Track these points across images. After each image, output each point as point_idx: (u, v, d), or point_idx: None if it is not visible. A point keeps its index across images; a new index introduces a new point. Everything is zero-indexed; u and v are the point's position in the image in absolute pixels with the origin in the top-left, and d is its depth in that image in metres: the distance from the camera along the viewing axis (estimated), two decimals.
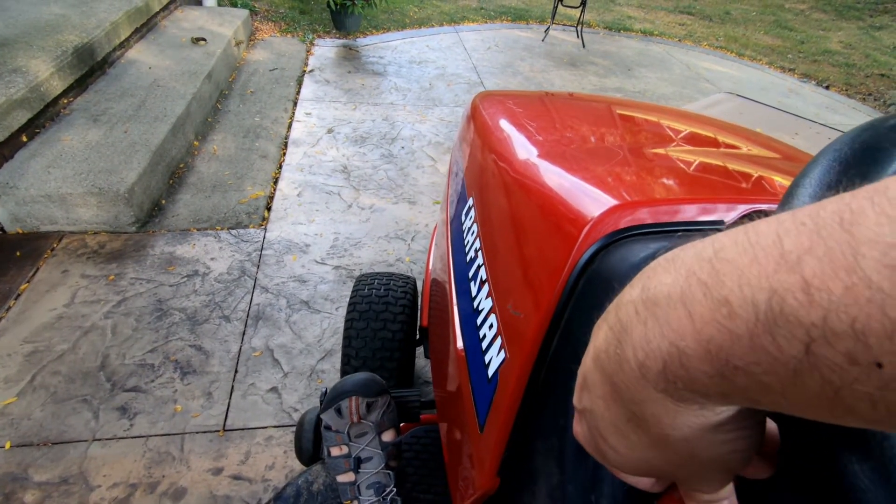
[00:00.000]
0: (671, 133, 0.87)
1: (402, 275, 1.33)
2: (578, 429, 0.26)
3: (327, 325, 1.70)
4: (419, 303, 1.34)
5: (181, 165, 2.39)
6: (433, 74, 3.75)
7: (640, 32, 5.40)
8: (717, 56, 5.06)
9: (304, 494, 1.04)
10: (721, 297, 0.16)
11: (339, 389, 0.71)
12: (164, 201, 2.17)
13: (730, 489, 0.24)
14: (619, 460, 0.23)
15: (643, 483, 0.28)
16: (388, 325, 1.19)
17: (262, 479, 1.27)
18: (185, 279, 1.81)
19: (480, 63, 4.06)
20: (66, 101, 2.35)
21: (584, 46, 4.68)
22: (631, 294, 0.20)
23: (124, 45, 2.93)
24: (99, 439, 1.31)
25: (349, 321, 1.21)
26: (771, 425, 0.25)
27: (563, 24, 5.14)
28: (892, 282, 0.12)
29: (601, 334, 0.22)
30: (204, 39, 3.22)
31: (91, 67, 2.54)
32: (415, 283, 1.33)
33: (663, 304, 0.18)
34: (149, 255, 1.89)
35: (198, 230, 2.04)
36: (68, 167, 1.97)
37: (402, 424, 1.04)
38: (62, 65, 2.29)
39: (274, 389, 1.48)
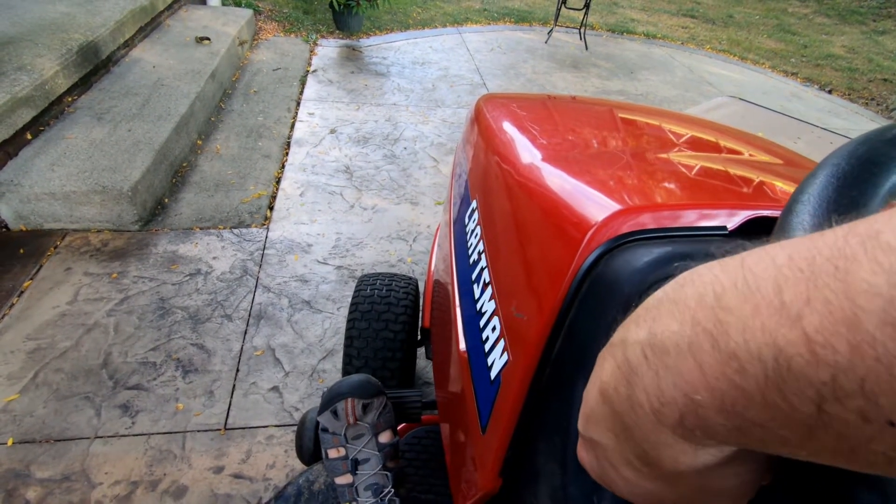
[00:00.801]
0: (673, 137, 0.87)
1: (404, 275, 1.34)
2: (584, 455, 0.26)
3: (329, 325, 1.70)
4: (421, 304, 1.34)
5: (184, 164, 2.40)
6: (436, 75, 3.75)
7: (643, 35, 5.41)
8: (719, 59, 5.07)
9: (304, 494, 1.04)
10: (729, 351, 0.15)
11: (335, 391, 0.72)
12: (167, 200, 2.17)
13: None
14: (629, 490, 0.23)
15: None
16: (389, 326, 1.20)
17: (263, 478, 1.27)
18: (188, 278, 1.82)
19: (483, 64, 4.07)
20: (70, 99, 2.36)
21: (586, 49, 4.68)
22: (637, 335, 0.20)
23: (129, 43, 2.94)
24: (101, 437, 1.31)
25: (351, 321, 1.21)
26: None
27: (566, 27, 5.15)
28: (895, 341, 0.12)
29: (607, 368, 0.21)
30: (208, 39, 3.23)
31: (95, 66, 2.55)
32: (417, 283, 1.33)
33: (672, 353, 0.17)
34: (152, 254, 1.90)
35: (200, 229, 2.05)
36: (72, 165, 1.97)
37: (402, 425, 1.05)
38: (67, 63, 2.30)
39: (275, 389, 1.49)
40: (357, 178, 2.49)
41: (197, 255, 1.92)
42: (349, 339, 1.20)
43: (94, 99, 2.43)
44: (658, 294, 0.20)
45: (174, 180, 2.29)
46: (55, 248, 1.87)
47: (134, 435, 1.33)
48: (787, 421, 0.14)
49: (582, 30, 4.71)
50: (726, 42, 5.65)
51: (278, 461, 1.31)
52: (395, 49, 4.16)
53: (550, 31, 4.83)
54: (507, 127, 0.80)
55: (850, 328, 0.13)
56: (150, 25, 3.22)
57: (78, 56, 2.39)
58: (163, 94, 2.56)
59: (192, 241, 1.98)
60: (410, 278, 1.33)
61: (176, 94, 2.58)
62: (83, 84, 2.47)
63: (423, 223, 2.23)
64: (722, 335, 0.16)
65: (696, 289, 0.17)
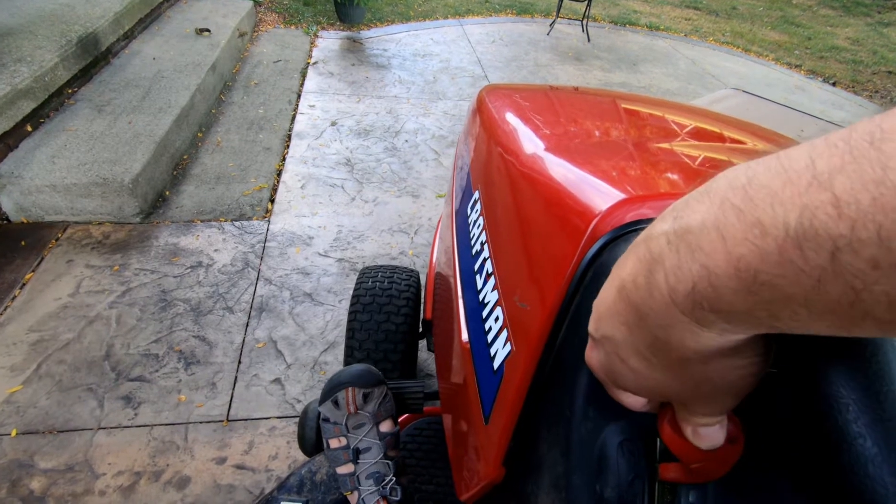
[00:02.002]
0: (677, 128, 0.86)
1: (405, 268, 1.34)
2: (593, 355, 0.27)
3: (330, 318, 1.71)
4: (422, 296, 1.34)
5: (185, 157, 2.39)
6: (437, 67, 3.73)
7: (646, 27, 5.37)
8: (723, 52, 5.03)
9: (307, 484, 1.05)
10: (754, 219, 0.16)
11: (336, 381, 0.72)
12: (168, 192, 2.17)
13: (722, 414, 0.26)
14: (635, 382, 0.25)
15: (637, 403, 0.30)
16: (391, 318, 1.20)
17: (266, 469, 1.28)
18: (189, 270, 1.82)
19: (485, 56, 4.04)
20: (70, 91, 2.36)
21: (589, 41, 4.65)
22: (662, 226, 0.21)
23: (128, 35, 2.92)
24: (104, 428, 1.32)
25: (353, 313, 1.21)
26: None
27: (569, 18, 5.11)
28: None
29: (628, 265, 0.23)
30: (208, 30, 3.21)
31: (95, 57, 2.54)
32: (418, 276, 1.33)
33: (696, 231, 0.18)
34: (153, 246, 1.90)
35: (202, 221, 2.05)
36: (73, 157, 1.97)
37: (405, 416, 1.05)
38: (66, 55, 2.29)
39: (277, 380, 1.49)
40: (358, 170, 2.49)
41: (198, 247, 1.92)
42: (351, 330, 1.20)
43: (95, 91, 2.42)
44: (685, 196, 0.21)
45: (175, 172, 2.28)
46: (56, 240, 1.87)
47: (137, 426, 1.34)
48: (798, 276, 0.15)
49: (584, 22, 4.68)
50: (730, 34, 5.61)
51: (280, 452, 1.32)
52: (396, 41, 4.13)
53: (553, 22, 4.79)
54: (510, 117, 0.80)
55: (877, 185, 0.14)
56: (149, 17, 3.20)
57: (78, 48, 2.38)
58: (163, 86, 2.55)
59: (194, 233, 1.98)
60: (412, 271, 1.33)
61: (176, 86, 2.56)
62: (83, 76, 2.46)
63: (424, 216, 2.23)
64: (750, 208, 0.16)
65: (727, 177, 0.18)
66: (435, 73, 3.64)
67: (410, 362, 1.23)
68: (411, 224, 2.17)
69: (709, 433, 0.27)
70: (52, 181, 1.87)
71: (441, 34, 4.41)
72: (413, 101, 3.20)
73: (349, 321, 1.21)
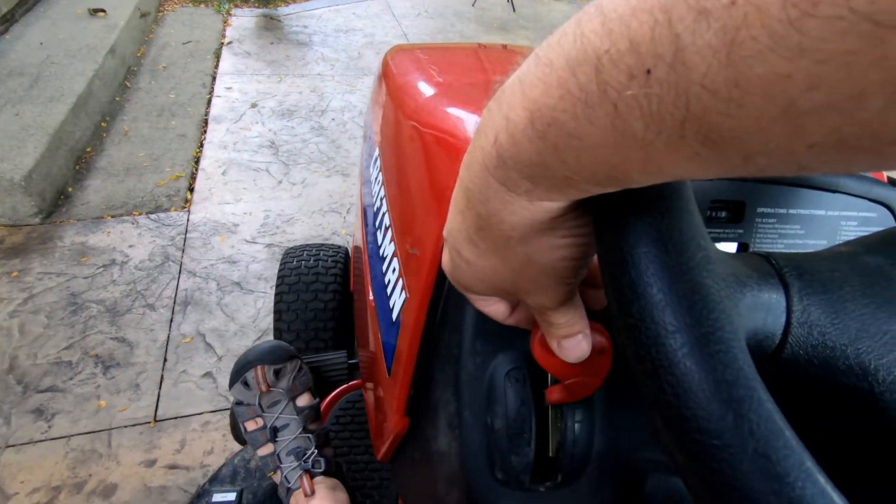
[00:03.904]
0: None
1: (332, 245, 1.30)
2: (444, 257, 0.28)
3: (262, 305, 1.64)
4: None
5: (88, 149, 2.20)
6: (361, 43, 3.61)
7: None
8: None
9: (241, 473, 1.01)
10: (547, 60, 0.17)
11: (243, 361, 0.68)
12: (70, 189, 1.99)
13: (583, 324, 0.27)
14: (471, 274, 0.26)
15: (498, 313, 0.30)
16: (319, 296, 1.16)
17: (201, 465, 1.22)
18: (102, 269, 1.68)
19: (410, 30, 3.95)
20: None
21: (514, 11, 4.65)
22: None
23: (8, 18, 2.63)
24: (13, 445, 1.21)
25: (278, 294, 1.17)
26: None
27: None
28: None
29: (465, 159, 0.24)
30: (103, 10, 2.93)
31: None
32: (346, 252, 1.30)
33: (507, 88, 0.19)
34: (57, 248, 1.74)
35: (112, 217, 1.89)
36: None
37: (340, 389, 1.03)
38: None
39: (208, 374, 1.42)
40: (283, 152, 2.38)
41: (110, 244, 1.78)
42: (277, 312, 1.15)
43: None
44: None
45: (77, 167, 2.09)
46: None
47: (51, 439, 1.23)
48: (574, 105, 0.16)
49: None
50: None
51: (216, 446, 1.27)
52: (316, 17, 3.96)
53: None
54: (410, 72, 0.77)
55: None
56: None
57: None
58: (54, 73, 2.31)
59: (104, 230, 1.83)
60: (339, 247, 1.29)
61: (70, 72, 2.33)
62: None
63: (355, 194, 2.17)
64: (545, 52, 0.17)
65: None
66: (359, 48, 3.52)
67: (346, 338, 1.21)
68: (342, 203, 2.11)
69: (573, 344, 0.27)
70: None
71: (364, 8, 4.26)
72: (338, 79, 3.09)
73: (275, 303, 1.16)
